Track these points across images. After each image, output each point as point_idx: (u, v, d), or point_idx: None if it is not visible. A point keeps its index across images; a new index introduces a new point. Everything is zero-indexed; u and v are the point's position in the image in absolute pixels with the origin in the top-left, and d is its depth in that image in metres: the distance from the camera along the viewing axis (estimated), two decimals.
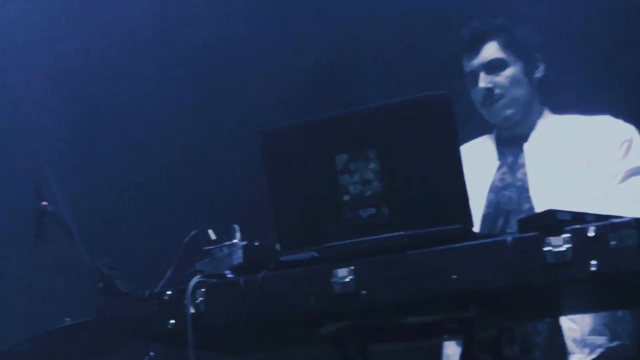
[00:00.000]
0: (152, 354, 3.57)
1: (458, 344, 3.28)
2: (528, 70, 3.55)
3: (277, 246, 2.67)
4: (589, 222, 2.32)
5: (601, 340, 3.32)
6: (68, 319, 3.82)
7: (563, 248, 2.29)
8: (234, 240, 2.76)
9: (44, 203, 3.79)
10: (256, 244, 2.73)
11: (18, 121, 5.45)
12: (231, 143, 4.90)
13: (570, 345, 3.30)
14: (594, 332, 3.31)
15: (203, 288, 2.70)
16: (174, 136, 5.19)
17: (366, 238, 2.49)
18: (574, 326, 3.30)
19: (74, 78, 5.41)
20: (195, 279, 2.71)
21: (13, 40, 5.44)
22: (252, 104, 4.93)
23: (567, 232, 2.30)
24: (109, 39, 5.30)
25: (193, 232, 2.89)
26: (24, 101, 5.43)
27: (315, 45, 4.96)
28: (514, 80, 3.52)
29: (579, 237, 2.29)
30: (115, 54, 5.31)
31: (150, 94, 5.23)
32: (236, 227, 2.76)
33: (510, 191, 3.46)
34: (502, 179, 3.49)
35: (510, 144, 3.56)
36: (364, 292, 2.47)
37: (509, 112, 3.52)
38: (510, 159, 3.53)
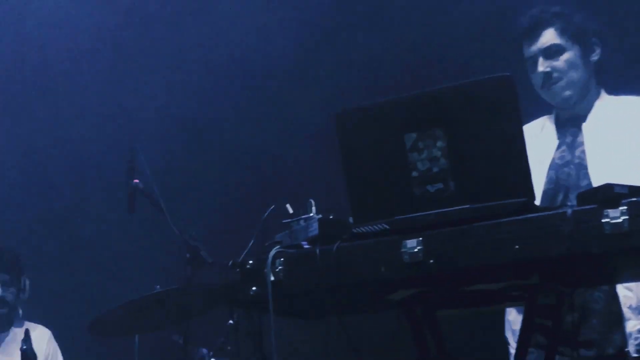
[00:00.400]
0: (235, 318, 3.59)
1: (519, 311, 3.26)
2: (584, 54, 3.49)
3: (350, 219, 2.66)
4: None
5: None
6: (158, 286, 3.86)
7: (620, 219, 2.26)
8: (310, 214, 2.75)
9: (136, 181, 3.84)
10: (330, 217, 2.72)
11: (113, 105, 5.51)
12: (307, 125, 4.89)
13: (626, 312, 3.25)
14: None
15: (282, 258, 2.70)
16: (257, 118, 5.20)
17: (434, 211, 2.47)
18: (630, 294, 3.25)
19: (167, 66, 5.44)
20: (274, 250, 2.72)
21: (113, 32, 5.51)
22: (326, 87, 4.92)
23: (624, 204, 2.27)
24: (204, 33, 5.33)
25: (272, 207, 2.89)
26: (119, 86, 5.48)
27: (380, 35, 4.93)
28: (571, 64, 3.47)
29: (635, 209, 2.26)
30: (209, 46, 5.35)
31: (232, 79, 5.24)
32: (312, 201, 2.76)
33: (569, 168, 3.42)
34: (561, 157, 3.46)
35: (569, 124, 3.51)
36: (431, 261, 2.45)
37: (567, 93, 3.47)
38: (569, 138, 3.48)
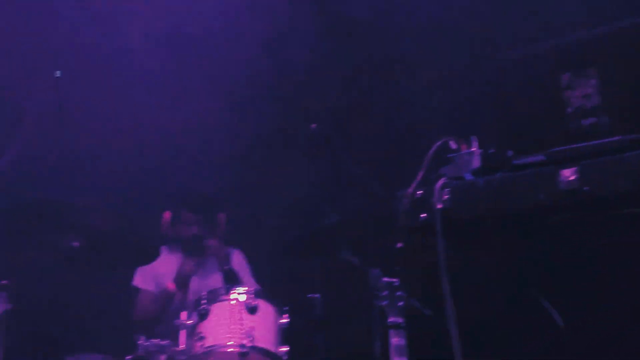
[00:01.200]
0: (404, 242, 3.57)
1: None
2: None
3: (509, 152, 2.58)
4: None
5: None
6: (334, 213, 3.87)
7: None
8: (472, 149, 2.68)
9: (313, 126, 3.85)
10: (491, 151, 2.64)
11: (290, 81, 5.47)
12: (471, 71, 4.75)
13: None
14: None
15: (448, 188, 2.65)
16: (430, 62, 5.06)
17: (588, 143, 2.38)
18: None
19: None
20: (441, 181, 2.67)
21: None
22: (489, 30, 4.76)
23: None
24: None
25: (439, 143, 2.83)
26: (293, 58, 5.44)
27: None
28: None
29: None
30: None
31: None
32: (474, 137, 2.69)
33: None
34: None
35: None
36: (586, 188, 2.36)
37: None
38: None
